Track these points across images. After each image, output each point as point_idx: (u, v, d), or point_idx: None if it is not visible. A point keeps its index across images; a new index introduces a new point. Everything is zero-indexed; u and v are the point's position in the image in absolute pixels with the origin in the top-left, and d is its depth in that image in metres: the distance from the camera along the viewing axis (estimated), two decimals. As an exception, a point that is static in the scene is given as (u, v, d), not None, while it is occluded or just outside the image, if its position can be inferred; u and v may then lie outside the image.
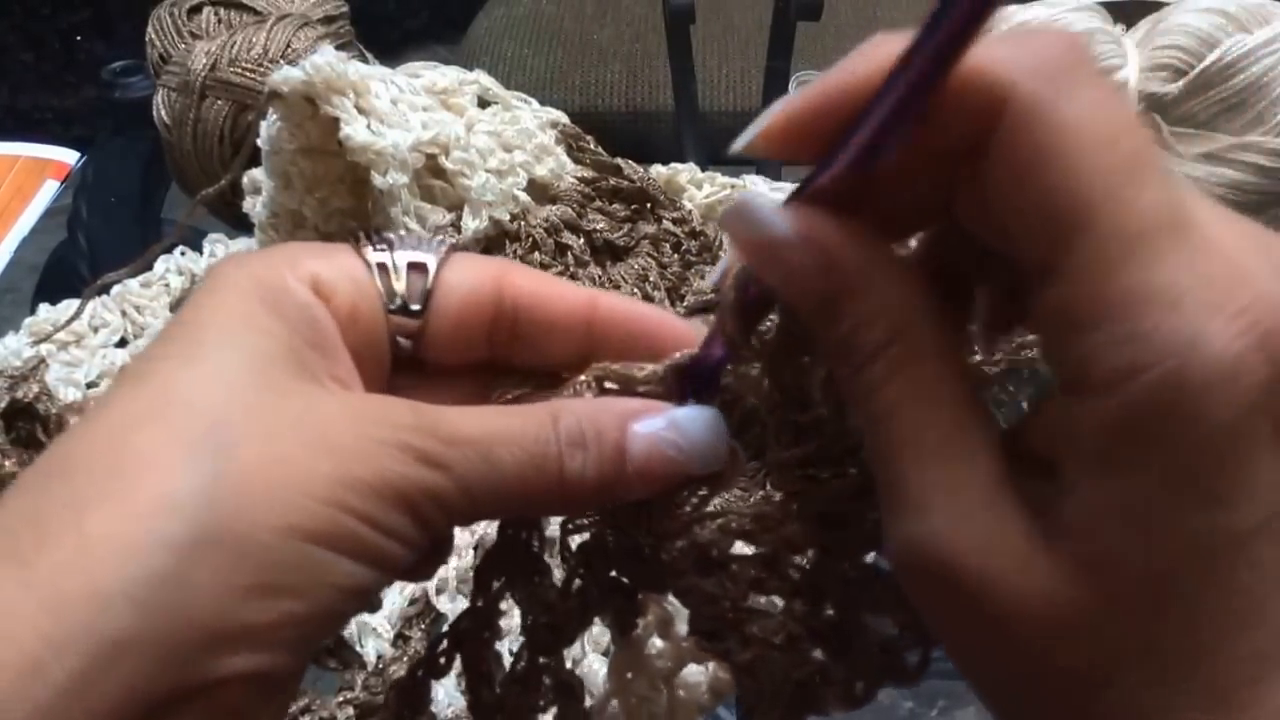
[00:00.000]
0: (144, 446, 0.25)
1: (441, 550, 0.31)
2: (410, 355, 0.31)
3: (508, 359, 0.32)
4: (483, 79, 0.65)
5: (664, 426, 0.29)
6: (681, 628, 0.33)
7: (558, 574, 0.33)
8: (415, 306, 0.30)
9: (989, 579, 0.23)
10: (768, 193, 0.25)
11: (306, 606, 0.25)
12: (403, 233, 0.31)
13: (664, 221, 0.64)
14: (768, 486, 0.30)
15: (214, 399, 0.26)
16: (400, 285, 0.30)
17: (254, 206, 0.66)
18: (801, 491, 0.29)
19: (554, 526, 0.33)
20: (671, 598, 0.32)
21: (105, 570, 0.23)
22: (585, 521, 0.32)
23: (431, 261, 0.30)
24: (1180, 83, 0.65)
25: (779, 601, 0.31)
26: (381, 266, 0.30)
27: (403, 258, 0.30)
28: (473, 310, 0.31)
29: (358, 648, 0.51)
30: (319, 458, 0.26)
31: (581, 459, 0.28)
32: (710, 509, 0.30)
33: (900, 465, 0.25)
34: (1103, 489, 0.22)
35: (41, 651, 0.23)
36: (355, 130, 0.56)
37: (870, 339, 0.25)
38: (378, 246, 0.30)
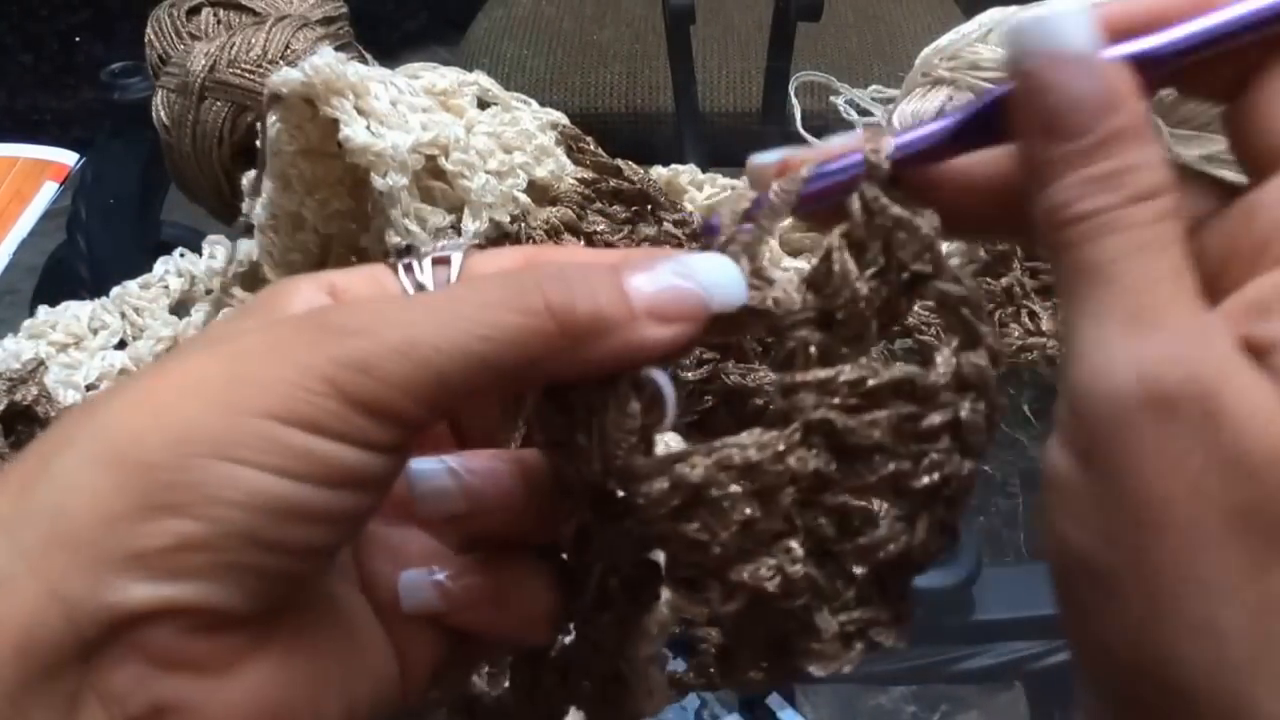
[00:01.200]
0: (78, 412, 0.25)
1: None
2: None
3: None
4: (482, 80, 0.65)
5: (670, 263, 0.27)
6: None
7: None
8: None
9: (1247, 409, 0.22)
10: (1081, 10, 0.25)
11: (203, 526, 0.23)
12: (440, 244, 0.30)
13: (665, 223, 0.64)
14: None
15: (165, 362, 0.25)
16: (427, 279, 0.29)
17: (253, 208, 0.65)
18: (821, 418, 0.27)
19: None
20: None
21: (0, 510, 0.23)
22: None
23: (456, 255, 0.30)
24: (1171, 90, 0.65)
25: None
26: (407, 267, 0.29)
27: (426, 255, 0.29)
28: None
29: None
30: (224, 366, 0.24)
31: (567, 289, 0.25)
32: (694, 447, 0.27)
33: (1161, 293, 0.24)
34: None
35: None
36: (355, 132, 0.56)
37: (1147, 179, 0.24)
38: (403, 257, 0.30)
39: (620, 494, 0.28)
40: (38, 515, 0.23)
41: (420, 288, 0.29)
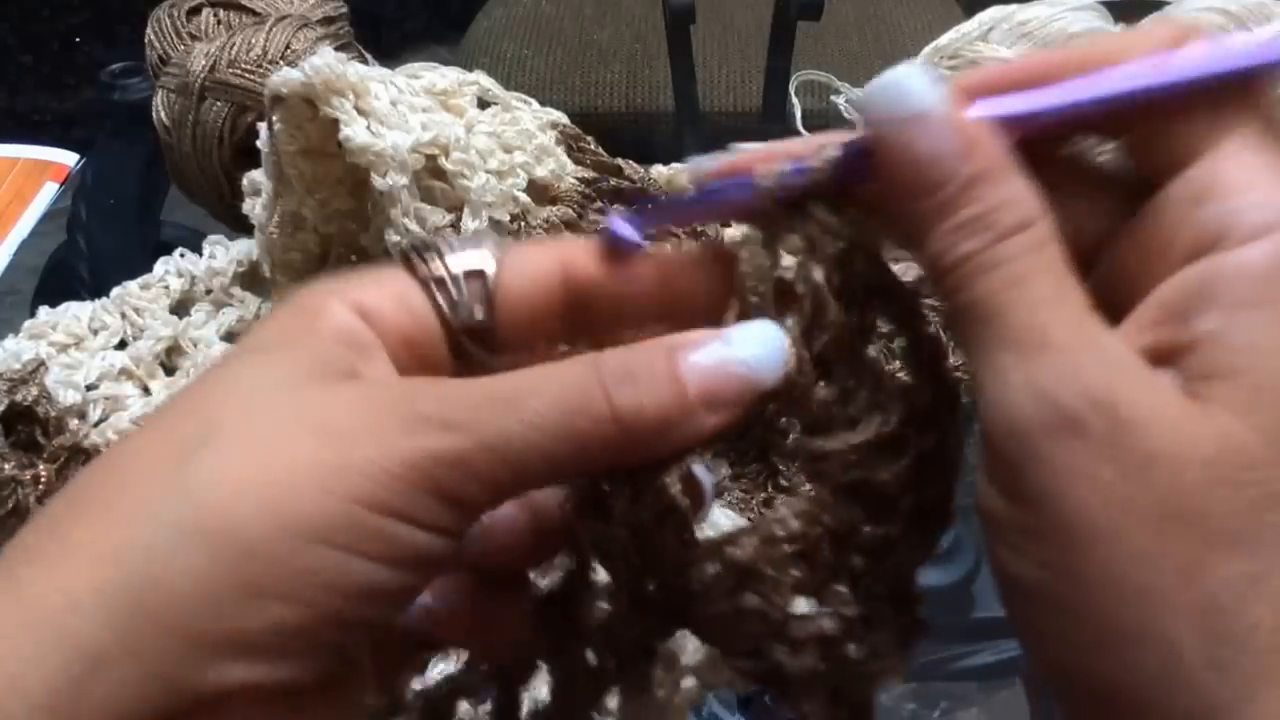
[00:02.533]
0: (130, 460, 0.24)
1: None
2: (482, 362, 0.29)
3: (589, 336, 0.29)
4: (482, 80, 0.65)
5: (719, 345, 0.27)
6: (685, 659, 0.33)
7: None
8: (480, 316, 0.28)
9: (1151, 412, 0.23)
10: (915, 69, 0.26)
11: (303, 611, 0.23)
12: (452, 239, 0.29)
13: (664, 222, 0.64)
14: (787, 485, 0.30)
15: (210, 406, 0.25)
16: (462, 297, 0.28)
17: (253, 208, 0.65)
18: (847, 479, 0.28)
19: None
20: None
21: (79, 577, 0.23)
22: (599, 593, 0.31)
23: (488, 264, 0.29)
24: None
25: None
26: (438, 282, 0.28)
27: (457, 265, 0.28)
28: (541, 303, 0.29)
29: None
30: (317, 444, 0.24)
31: (632, 390, 0.25)
32: (737, 532, 0.28)
33: (1045, 315, 0.24)
34: (1263, 324, 0.23)
35: (18, 666, 0.22)
36: (355, 132, 0.56)
37: (1011, 216, 0.25)
38: (428, 260, 0.29)
39: (653, 585, 0.29)
40: (135, 591, 0.22)
41: (453, 305, 0.28)
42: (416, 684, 0.33)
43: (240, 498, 0.23)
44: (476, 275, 0.29)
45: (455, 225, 0.59)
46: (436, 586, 0.30)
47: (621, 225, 0.29)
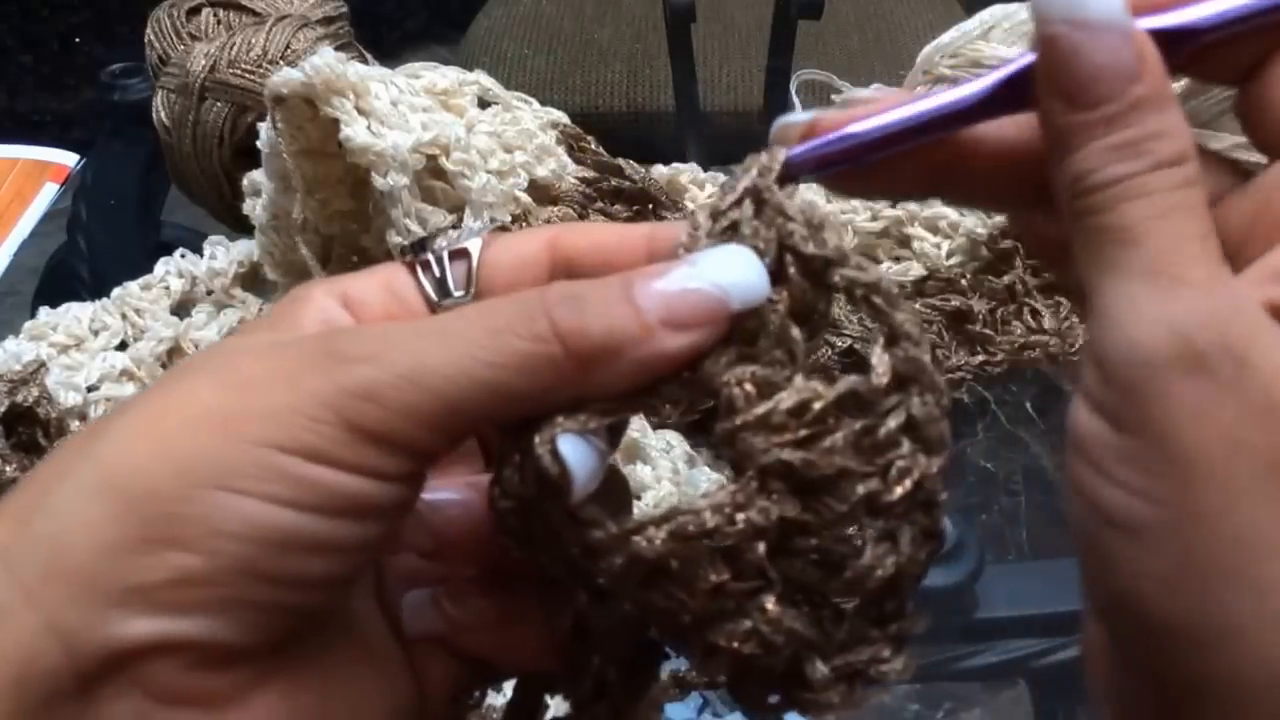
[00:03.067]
0: (78, 440, 0.24)
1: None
2: None
3: None
4: (483, 79, 0.64)
5: (684, 269, 0.25)
6: None
7: None
8: (459, 292, 0.28)
9: (1274, 366, 0.22)
10: None
11: (205, 560, 0.22)
12: (451, 232, 0.29)
13: (666, 222, 0.64)
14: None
15: (166, 385, 0.25)
16: (446, 275, 0.28)
17: (254, 209, 0.65)
18: (774, 461, 0.25)
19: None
20: None
21: None
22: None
23: (473, 245, 0.28)
24: (1184, 81, 0.65)
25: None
26: (424, 264, 0.28)
27: (443, 249, 0.28)
28: (526, 280, 0.28)
29: None
30: (225, 392, 0.23)
31: (576, 309, 0.24)
32: (651, 514, 0.25)
33: (1189, 251, 0.24)
34: None
35: None
36: (355, 132, 0.56)
37: (1169, 147, 0.24)
38: (418, 251, 0.28)
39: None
40: (36, 546, 0.22)
41: (441, 285, 0.28)
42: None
43: (140, 449, 0.23)
44: (461, 255, 0.28)
45: (456, 225, 0.59)
46: (457, 587, 0.29)
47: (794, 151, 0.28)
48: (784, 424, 0.25)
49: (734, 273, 0.25)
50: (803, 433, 0.25)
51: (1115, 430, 0.24)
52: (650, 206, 0.65)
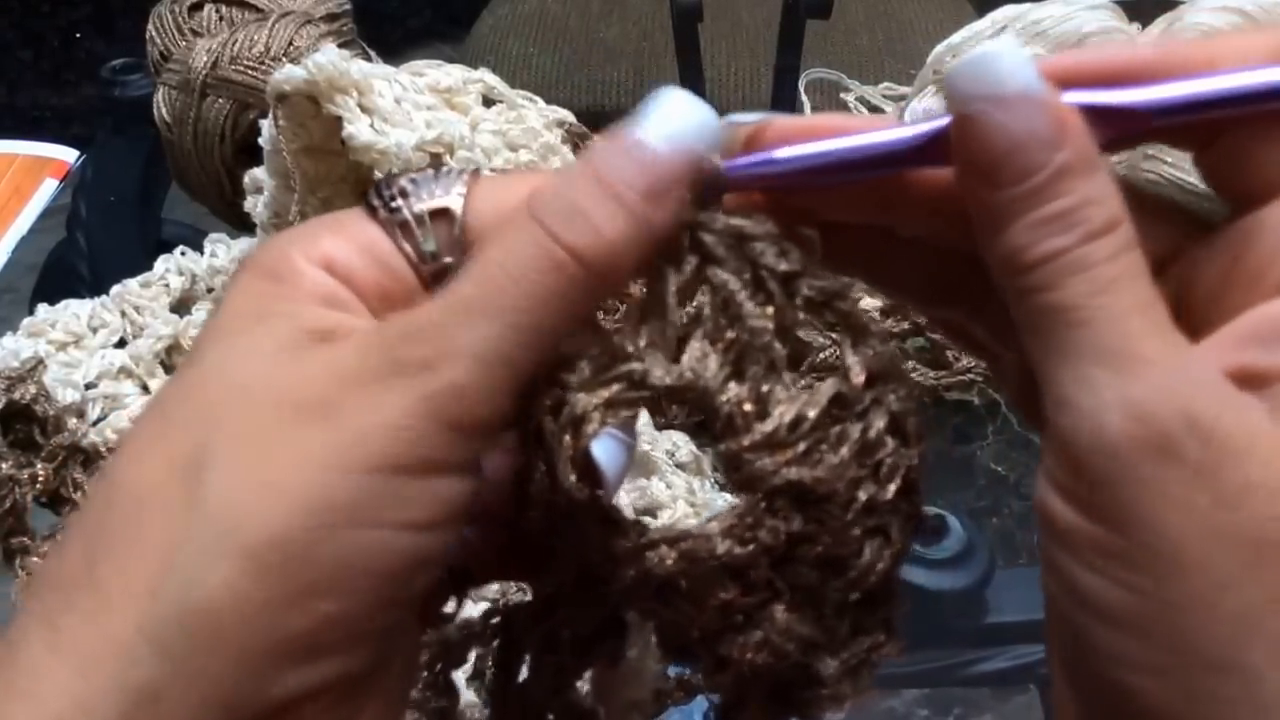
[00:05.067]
0: (139, 482, 0.24)
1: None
2: None
3: None
4: (487, 78, 0.64)
5: (633, 137, 0.25)
6: None
7: None
8: (448, 259, 0.26)
9: (1244, 442, 0.22)
10: (1015, 47, 0.24)
11: (347, 601, 0.22)
12: (415, 176, 0.27)
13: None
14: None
15: (199, 405, 0.24)
16: (427, 242, 0.27)
17: (255, 206, 0.65)
18: (785, 482, 0.25)
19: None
20: None
21: (119, 618, 0.22)
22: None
23: (454, 203, 0.27)
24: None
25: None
26: (403, 226, 0.27)
27: (421, 207, 0.27)
28: None
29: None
30: (313, 424, 0.23)
31: (583, 224, 0.24)
32: (666, 532, 0.26)
33: (1136, 326, 0.23)
34: None
35: (70, 713, 0.21)
36: (358, 130, 0.56)
37: (1100, 214, 0.23)
38: (390, 201, 0.27)
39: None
40: (179, 619, 0.22)
41: (419, 250, 0.27)
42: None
43: (253, 502, 0.22)
44: (442, 214, 0.27)
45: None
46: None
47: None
48: (786, 441, 0.25)
49: (680, 120, 0.25)
50: (803, 446, 0.25)
51: (1089, 520, 0.23)
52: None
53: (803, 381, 0.26)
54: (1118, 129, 0.25)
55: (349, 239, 0.26)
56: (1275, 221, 0.24)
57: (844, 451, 0.25)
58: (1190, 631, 0.22)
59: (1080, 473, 0.23)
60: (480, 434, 0.24)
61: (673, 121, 0.25)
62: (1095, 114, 0.24)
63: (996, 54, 0.24)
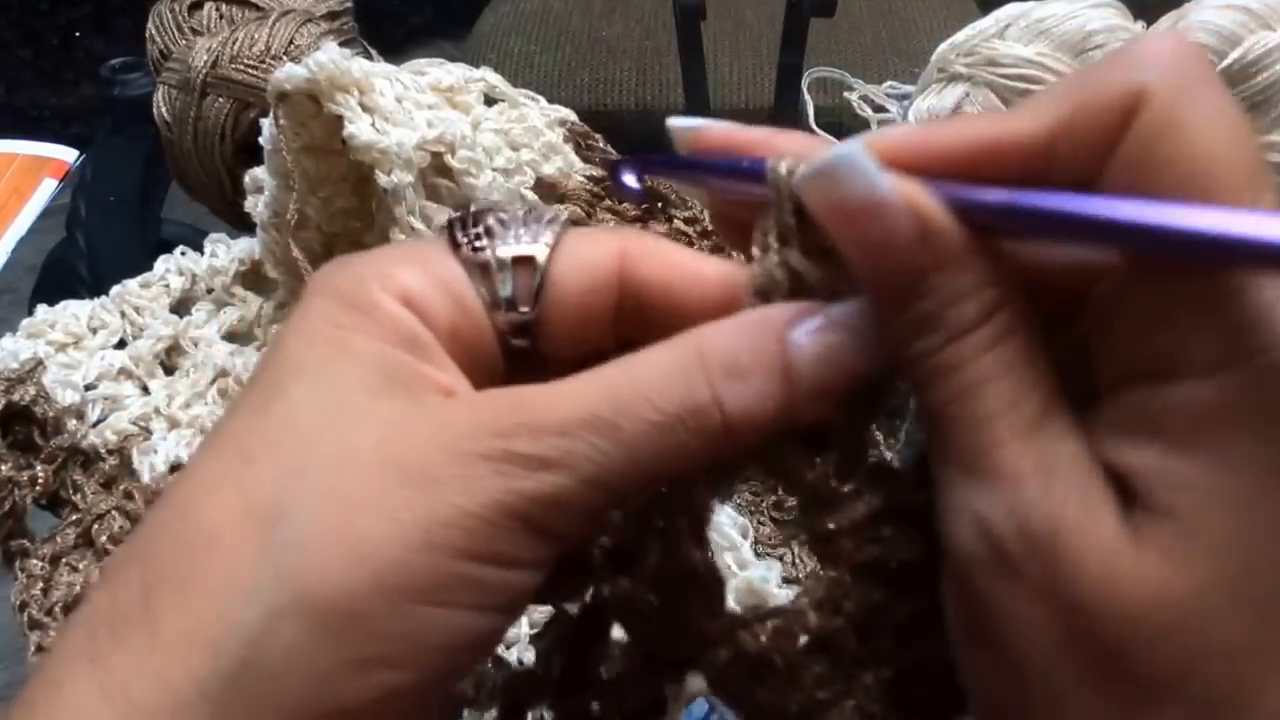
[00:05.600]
0: (209, 519, 0.23)
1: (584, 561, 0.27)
2: (529, 354, 0.27)
3: (641, 344, 0.26)
4: (489, 76, 0.64)
5: (825, 327, 0.24)
6: (691, 688, 0.31)
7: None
8: (524, 309, 0.26)
9: (1084, 557, 0.21)
10: (858, 150, 0.23)
11: (413, 675, 0.22)
12: (504, 215, 0.27)
13: (675, 221, 0.63)
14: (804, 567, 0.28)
15: (284, 448, 0.23)
16: (506, 287, 0.26)
17: (256, 206, 0.65)
18: (862, 558, 0.26)
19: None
20: None
21: (176, 668, 0.22)
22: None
23: (540, 252, 0.26)
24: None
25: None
26: (483, 267, 0.26)
27: (506, 251, 0.26)
28: (593, 302, 0.26)
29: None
30: (402, 492, 0.22)
31: (743, 392, 0.23)
32: (753, 612, 0.26)
33: (990, 436, 0.22)
34: (1201, 467, 0.21)
35: None
36: (359, 129, 0.55)
37: (965, 313, 0.23)
38: (475, 239, 0.26)
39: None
40: (241, 679, 0.22)
41: (497, 297, 0.26)
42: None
43: (332, 564, 0.22)
44: (526, 262, 0.26)
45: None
46: None
47: (628, 175, 0.30)
48: (868, 525, 0.25)
49: (870, 327, 0.24)
50: (887, 530, 0.25)
51: (960, 621, 0.24)
52: (660, 205, 0.64)
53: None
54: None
55: (427, 273, 0.26)
56: (1141, 302, 0.22)
57: (919, 532, 0.25)
58: None
59: (950, 578, 0.24)
60: (561, 544, 0.24)
61: (866, 326, 0.24)
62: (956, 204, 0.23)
63: (839, 162, 0.23)
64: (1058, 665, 0.22)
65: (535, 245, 0.26)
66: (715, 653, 0.26)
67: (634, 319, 0.27)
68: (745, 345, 0.24)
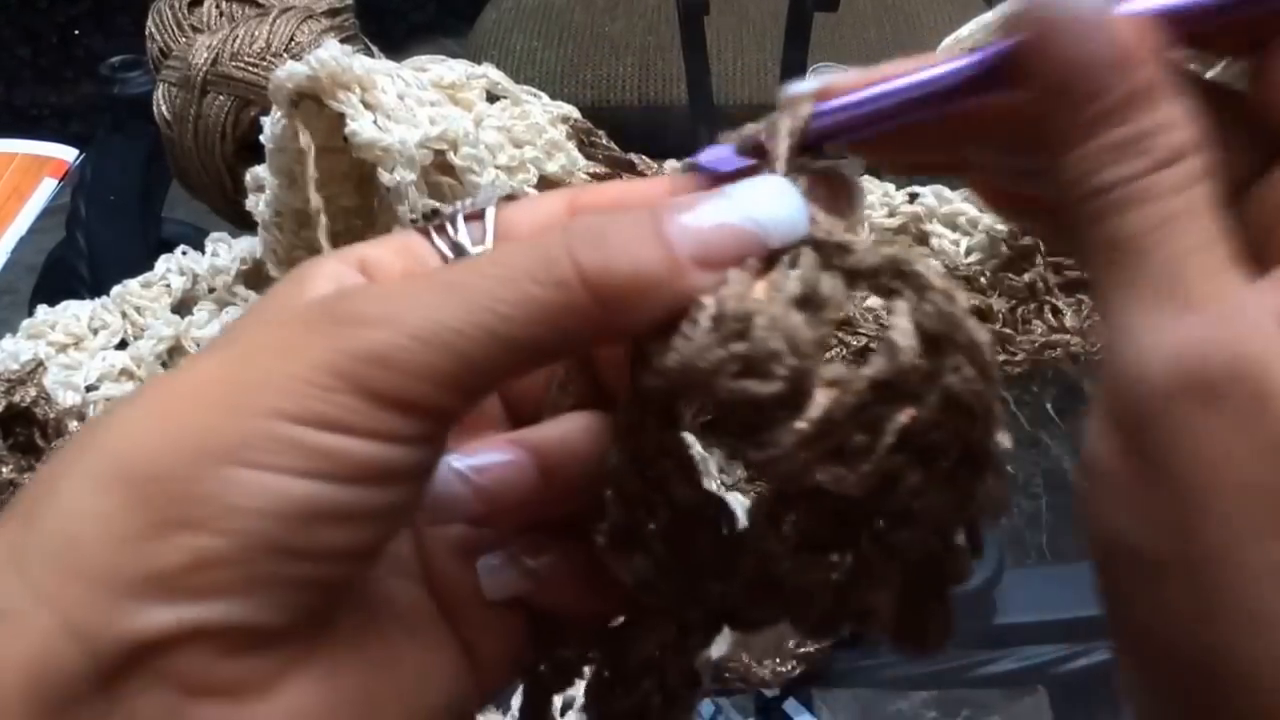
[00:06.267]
0: (82, 433, 0.24)
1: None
2: None
3: None
4: (491, 73, 0.64)
5: (719, 199, 0.24)
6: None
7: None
8: (476, 249, 0.26)
9: None
10: None
11: (225, 540, 0.21)
12: (468, 201, 0.28)
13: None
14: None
15: (173, 370, 0.24)
16: (462, 235, 0.27)
17: (257, 205, 0.64)
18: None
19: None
20: None
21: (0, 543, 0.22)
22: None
23: (489, 208, 0.27)
24: (1207, 76, 0.64)
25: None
26: (439, 228, 0.27)
27: (459, 213, 0.27)
28: None
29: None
30: (225, 365, 0.23)
31: (600, 247, 0.23)
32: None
33: (1198, 265, 0.22)
34: None
35: None
36: (361, 126, 0.55)
37: (1175, 141, 0.22)
38: (434, 218, 0.27)
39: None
40: (45, 543, 0.22)
41: (458, 248, 0.27)
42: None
43: (146, 431, 0.22)
44: (477, 216, 0.27)
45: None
46: (525, 545, 0.28)
47: (715, 155, 0.27)
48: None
49: (771, 206, 0.24)
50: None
51: (1127, 457, 0.22)
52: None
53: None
54: (1196, 31, 0.24)
55: (387, 243, 0.26)
56: None
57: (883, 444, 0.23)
58: (1216, 581, 0.21)
59: (1125, 410, 0.22)
60: (400, 410, 0.22)
61: (766, 205, 0.24)
62: (1170, 20, 0.23)
63: None
64: (1251, 500, 0.21)
65: (487, 205, 0.27)
66: (738, 574, 0.26)
67: None
68: (615, 217, 0.24)
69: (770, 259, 0.24)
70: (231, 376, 0.23)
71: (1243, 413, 0.21)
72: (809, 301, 0.23)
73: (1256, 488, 0.21)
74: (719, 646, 0.39)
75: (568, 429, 0.28)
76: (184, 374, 0.24)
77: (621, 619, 0.30)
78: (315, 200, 0.59)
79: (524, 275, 0.22)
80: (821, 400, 0.23)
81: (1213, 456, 0.21)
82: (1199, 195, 0.23)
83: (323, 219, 0.58)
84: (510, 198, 0.28)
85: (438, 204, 0.58)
